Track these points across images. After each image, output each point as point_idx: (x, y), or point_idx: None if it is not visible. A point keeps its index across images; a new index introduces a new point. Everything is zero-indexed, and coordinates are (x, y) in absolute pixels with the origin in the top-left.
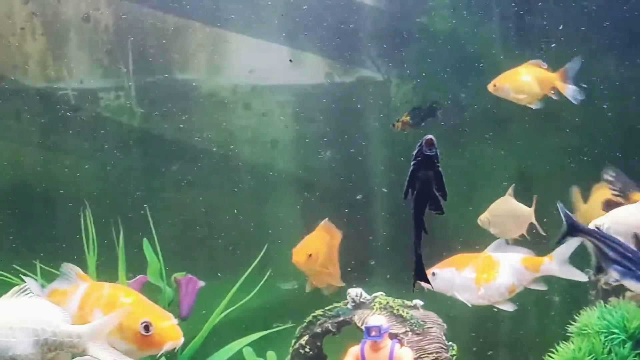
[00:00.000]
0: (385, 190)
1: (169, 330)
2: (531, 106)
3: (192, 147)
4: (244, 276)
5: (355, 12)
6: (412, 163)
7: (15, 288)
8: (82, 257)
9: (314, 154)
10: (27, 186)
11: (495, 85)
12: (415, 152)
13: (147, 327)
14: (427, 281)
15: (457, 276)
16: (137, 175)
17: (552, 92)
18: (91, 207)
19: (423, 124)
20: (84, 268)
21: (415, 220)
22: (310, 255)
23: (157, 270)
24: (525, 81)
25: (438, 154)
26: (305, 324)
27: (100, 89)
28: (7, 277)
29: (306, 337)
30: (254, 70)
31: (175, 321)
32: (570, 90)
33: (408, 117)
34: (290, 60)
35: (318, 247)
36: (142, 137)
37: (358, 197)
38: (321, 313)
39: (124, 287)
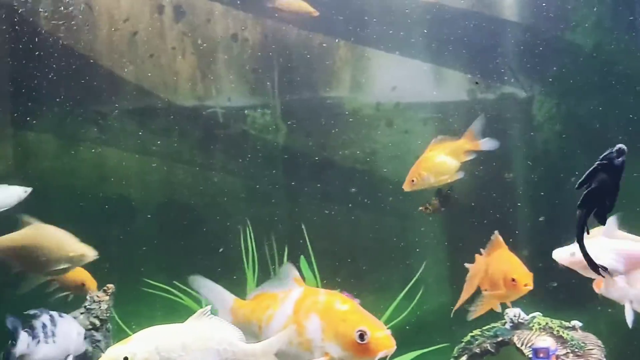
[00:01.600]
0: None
1: (383, 339)
2: (456, 178)
3: (335, 164)
4: (402, 293)
5: (498, 29)
6: (597, 163)
7: (200, 311)
8: (239, 274)
9: None
10: (178, 203)
11: (413, 181)
12: (604, 154)
13: (362, 336)
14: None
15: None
16: (283, 192)
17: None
18: (239, 222)
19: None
20: (243, 283)
21: (579, 218)
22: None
23: (314, 286)
24: (439, 162)
25: (623, 165)
26: (462, 343)
27: (247, 106)
28: (172, 293)
29: (465, 358)
30: (397, 87)
31: (388, 331)
32: (484, 144)
33: (436, 200)
34: (477, 83)
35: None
36: (287, 154)
37: (540, 219)
38: (479, 333)
39: (339, 295)
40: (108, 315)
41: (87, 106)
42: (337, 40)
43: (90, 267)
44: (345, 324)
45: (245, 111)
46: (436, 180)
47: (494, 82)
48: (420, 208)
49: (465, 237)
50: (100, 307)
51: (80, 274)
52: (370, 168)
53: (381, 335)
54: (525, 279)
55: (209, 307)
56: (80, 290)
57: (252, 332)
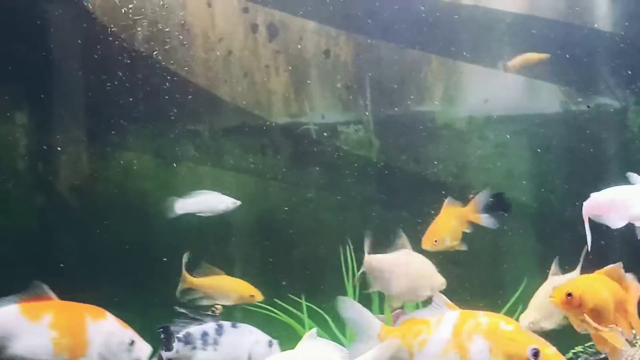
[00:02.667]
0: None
1: (554, 357)
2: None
3: (428, 178)
4: (504, 309)
5: (592, 39)
6: None
7: (307, 334)
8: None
9: (550, 184)
10: (273, 219)
11: (435, 242)
12: None
13: (536, 354)
14: None
15: None
16: (376, 206)
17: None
18: (334, 238)
19: None
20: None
21: None
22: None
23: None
24: (454, 226)
25: None
26: None
27: (339, 122)
28: (273, 312)
29: None
30: (489, 100)
31: (554, 348)
32: (484, 219)
33: None
34: (589, 107)
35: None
36: (380, 169)
37: None
38: (581, 350)
39: (501, 315)
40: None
41: (183, 125)
42: (429, 55)
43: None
44: (515, 343)
45: (338, 127)
46: (450, 245)
47: (586, 93)
48: None
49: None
50: None
51: (247, 286)
52: (462, 182)
53: (551, 353)
54: None
55: (314, 330)
56: (246, 301)
57: (401, 358)
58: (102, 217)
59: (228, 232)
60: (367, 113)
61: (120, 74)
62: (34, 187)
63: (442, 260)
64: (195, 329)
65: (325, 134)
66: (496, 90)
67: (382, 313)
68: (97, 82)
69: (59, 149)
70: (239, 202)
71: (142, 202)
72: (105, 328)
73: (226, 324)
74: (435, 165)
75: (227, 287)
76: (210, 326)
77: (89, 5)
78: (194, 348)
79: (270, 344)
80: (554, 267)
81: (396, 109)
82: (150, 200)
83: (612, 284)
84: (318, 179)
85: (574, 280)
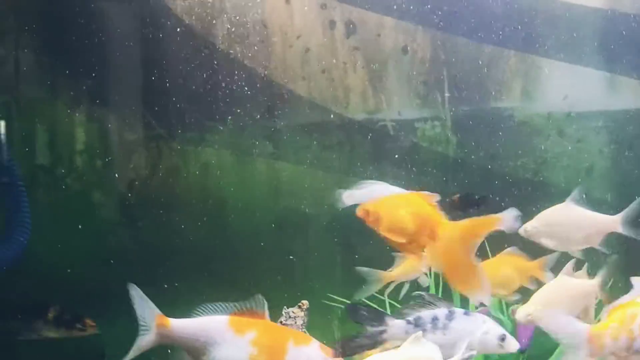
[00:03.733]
0: None
1: None
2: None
3: (506, 175)
4: None
5: None
6: None
7: (414, 336)
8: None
9: (631, 182)
10: (351, 215)
11: None
12: None
13: None
14: None
15: None
16: (454, 203)
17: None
18: None
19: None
20: None
21: None
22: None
23: (497, 302)
24: (505, 274)
25: None
26: None
27: (417, 119)
28: None
29: None
30: (568, 97)
31: None
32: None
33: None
34: None
35: None
36: (457, 165)
37: None
38: None
39: None
40: (303, 330)
41: (261, 122)
42: (507, 50)
43: (273, 281)
44: None
45: (415, 124)
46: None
47: None
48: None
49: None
50: (295, 322)
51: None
52: (540, 178)
53: None
54: None
55: (420, 333)
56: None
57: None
58: (183, 213)
59: (305, 227)
60: (444, 109)
61: (199, 70)
62: (114, 184)
63: None
64: (426, 313)
65: (402, 130)
66: (576, 86)
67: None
68: (177, 79)
69: (140, 146)
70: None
71: (221, 198)
72: (306, 353)
73: (458, 311)
74: (513, 162)
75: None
76: (441, 311)
77: (169, 3)
78: (424, 331)
79: (502, 338)
80: (569, 265)
81: (474, 105)
82: (229, 195)
83: (420, 206)
84: (395, 176)
85: (379, 199)
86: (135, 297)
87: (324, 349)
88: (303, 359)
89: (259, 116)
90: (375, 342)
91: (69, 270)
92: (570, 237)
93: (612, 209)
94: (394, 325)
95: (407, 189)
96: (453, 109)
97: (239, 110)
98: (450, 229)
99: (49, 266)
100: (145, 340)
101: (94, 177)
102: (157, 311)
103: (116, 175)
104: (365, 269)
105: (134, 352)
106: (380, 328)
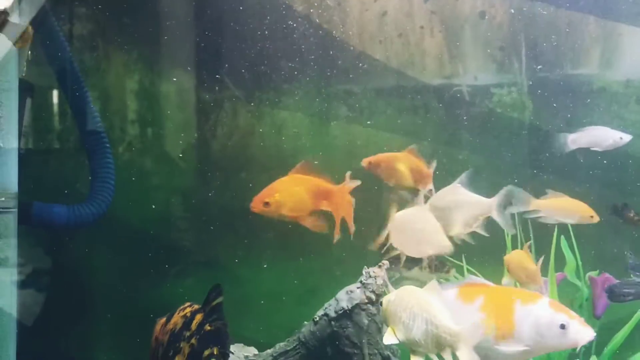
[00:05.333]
0: None
1: None
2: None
3: None
4: None
5: None
6: None
7: (433, 281)
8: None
9: None
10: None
11: None
12: None
13: None
14: None
15: None
16: (528, 170)
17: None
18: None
19: None
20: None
21: None
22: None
23: (574, 268)
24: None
25: None
26: None
27: (493, 84)
28: None
29: None
30: None
31: None
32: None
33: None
34: None
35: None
36: (533, 132)
37: None
38: None
39: None
40: (383, 290)
41: (337, 85)
42: (586, 16)
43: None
44: None
45: (492, 89)
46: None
47: None
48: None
49: None
50: (376, 281)
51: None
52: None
53: None
54: None
55: (435, 281)
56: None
57: None
58: (257, 174)
59: (379, 191)
60: (521, 75)
61: (276, 33)
62: (192, 144)
63: None
64: None
65: (478, 96)
66: None
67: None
68: (253, 42)
69: (217, 107)
70: (628, 137)
71: (295, 160)
72: (534, 312)
73: None
74: None
75: (568, 207)
76: None
77: None
78: None
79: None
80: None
81: (551, 71)
82: (303, 158)
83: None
84: (469, 141)
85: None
86: None
87: (554, 306)
88: (531, 318)
89: (334, 79)
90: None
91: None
92: (453, 219)
93: None
94: None
95: (480, 156)
96: (530, 74)
97: (314, 73)
98: None
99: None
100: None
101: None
102: None
103: (192, 133)
104: (515, 188)
105: None
106: None
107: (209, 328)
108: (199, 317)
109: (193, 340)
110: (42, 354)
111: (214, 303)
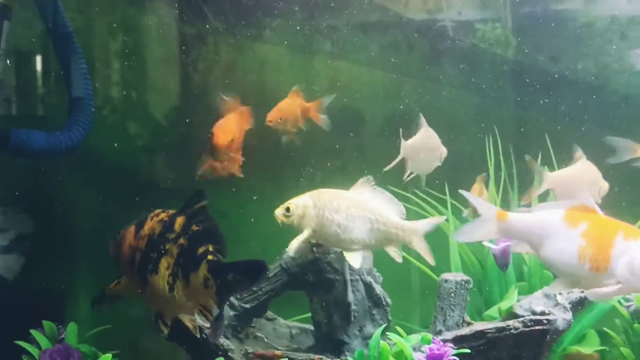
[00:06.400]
0: None
1: None
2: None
3: (566, 78)
4: None
5: None
6: None
7: (363, 179)
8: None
9: None
10: (406, 114)
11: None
12: None
13: None
14: None
15: None
16: (507, 106)
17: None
18: (467, 135)
19: None
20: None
21: None
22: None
23: None
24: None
25: None
26: None
27: (477, 20)
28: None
29: None
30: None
31: None
32: (323, 121)
33: None
34: None
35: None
36: (516, 68)
37: None
38: None
39: None
40: None
41: (320, 20)
42: None
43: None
44: None
45: (476, 25)
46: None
47: None
48: None
49: None
50: None
51: None
52: (600, 83)
53: None
54: None
55: (370, 177)
56: None
57: None
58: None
59: (361, 125)
60: (505, 11)
61: None
62: (171, 73)
63: None
64: None
65: (462, 31)
66: None
67: None
68: None
69: (199, 41)
70: None
71: (277, 94)
72: (634, 248)
73: None
74: (573, 65)
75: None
76: None
77: None
78: None
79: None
80: None
81: (535, 6)
82: (285, 92)
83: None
84: (452, 77)
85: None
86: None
87: None
88: (631, 253)
89: (317, 15)
90: None
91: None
92: None
93: None
94: None
95: (464, 92)
96: (514, 10)
97: (296, 7)
98: None
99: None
100: (486, 228)
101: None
102: (497, 208)
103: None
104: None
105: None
106: None
107: (196, 228)
108: (180, 219)
109: (182, 241)
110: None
111: (198, 206)
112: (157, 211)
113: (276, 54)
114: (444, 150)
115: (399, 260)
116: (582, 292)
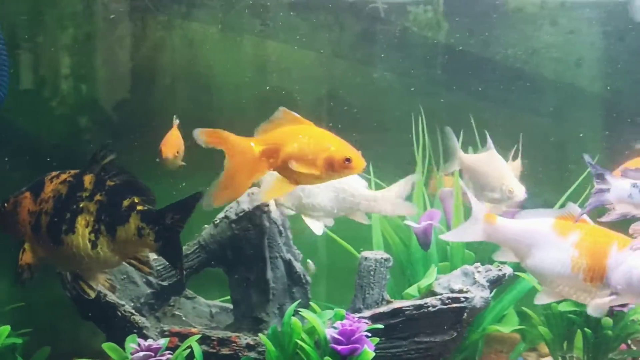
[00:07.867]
0: None
1: None
2: None
3: (496, 63)
4: None
5: None
6: None
7: None
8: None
9: (622, 74)
10: (336, 96)
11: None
12: None
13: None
14: None
15: None
16: (439, 88)
17: None
18: (395, 117)
19: None
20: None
21: None
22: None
23: None
24: None
25: None
26: None
27: (409, 2)
28: None
29: None
30: None
31: None
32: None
33: None
34: None
35: None
36: (447, 52)
37: None
38: None
39: None
40: None
41: None
42: None
43: None
44: None
45: (408, 7)
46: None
47: None
48: None
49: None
50: None
51: None
52: (530, 68)
53: None
54: None
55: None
56: None
57: None
58: (165, 87)
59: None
60: None
61: None
62: (97, 53)
63: None
64: None
65: (393, 13)
66: None
67: None
68: None
69: (126, 17)
70: None
71: (207, 74)
72: (631, 259)
73: None
74: (503, 50)
75: None
76: None
77: None
78: None
79: None
80: None
81: None
82: (215, 72)
83: None
84: (384, 59)
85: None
86: (469, 194)
87: None
88: (627, 263)
89: None
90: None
91: None
92: None
93: (605, 102)
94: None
95: (394, 74)
96: None
97: None
98: None
99: None
100: (472, 229)
101: None
102: (486, 210)
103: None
104: None
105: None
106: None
107: (112, 183)
108: (89, 177)
109: (98, 197)
110: None
111: (105, 161)
112: (53, 173)
113: (206, 32)
114: (507, 184)
115: (367, 222)
116: (500, 269)
